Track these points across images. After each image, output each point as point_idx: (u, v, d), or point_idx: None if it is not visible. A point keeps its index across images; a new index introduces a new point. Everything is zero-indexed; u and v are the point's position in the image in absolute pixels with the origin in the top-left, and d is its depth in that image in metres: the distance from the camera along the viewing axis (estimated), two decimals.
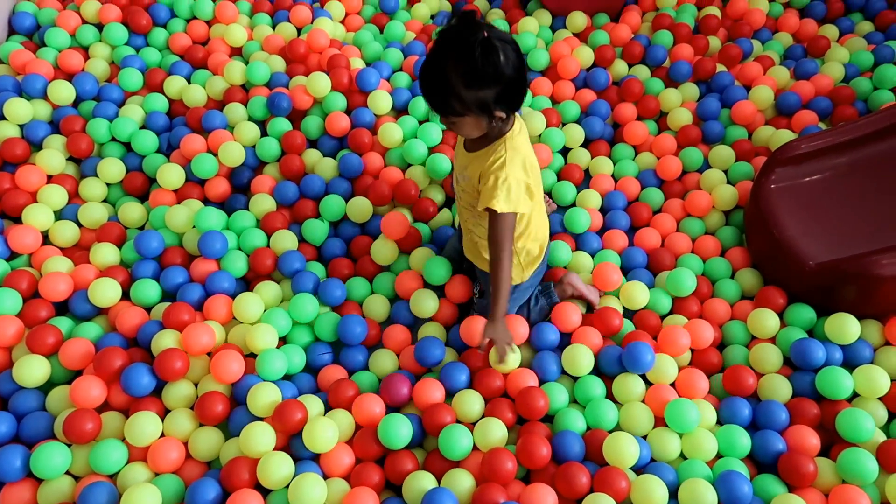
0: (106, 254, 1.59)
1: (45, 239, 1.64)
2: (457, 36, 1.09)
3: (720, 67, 2.04)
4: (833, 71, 1.97)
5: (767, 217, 1.59)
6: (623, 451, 1.27)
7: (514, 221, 1.30)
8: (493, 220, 1.27)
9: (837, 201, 1.61)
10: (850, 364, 1.45)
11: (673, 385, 1.43)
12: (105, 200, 1.77)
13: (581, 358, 1.43)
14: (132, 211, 1.70)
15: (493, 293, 1.35)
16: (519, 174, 1.25)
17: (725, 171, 1.83)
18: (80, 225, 1.68)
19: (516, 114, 1.28)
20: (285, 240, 1.63)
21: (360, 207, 1.71)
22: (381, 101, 1.86)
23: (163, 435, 1.32)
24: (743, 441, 1.32)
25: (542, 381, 1.43)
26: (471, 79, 1.10)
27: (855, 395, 1.40)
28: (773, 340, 1.52)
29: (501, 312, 1.37)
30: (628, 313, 1.59)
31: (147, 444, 1.30)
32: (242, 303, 1.49)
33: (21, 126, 1.79)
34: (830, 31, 2.15)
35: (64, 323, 1.48)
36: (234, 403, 1.39)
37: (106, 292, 1.50)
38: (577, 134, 1.91)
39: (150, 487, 1.20)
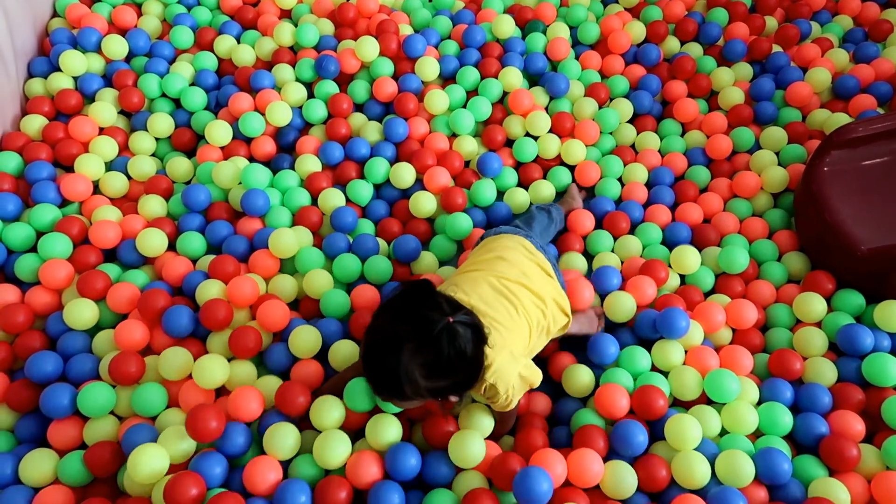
0: (153, 205, 1.62)
1: (96, 189, 1.67)
2: (418, 318, 0.99)
3: (776, 48, 1.99)
4: (895, 55, 1.91)
5: (819, 200, 1.55)
6: (687, 434, 1.25)
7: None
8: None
9: (893, 187, 1.57)
10: None
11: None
12: (153, 154, 1.79)
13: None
14: (180, 165, 1.72)
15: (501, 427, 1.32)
16: (511, 370, 1.15)
17: (777, 153, 1.78)
18: (129, 177, 1.71)
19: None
20: (334, 198, 1.65)
21: (404, 173, 1.71)
22: (428, 67, 1.86)
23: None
24: (785, 419, 1.30)
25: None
26: (430, 371, 0.99)
27: None
28: (818, 325, 1.49)
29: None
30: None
31: (179, 379, 1.34)
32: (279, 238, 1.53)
33: (75, 78, 1.82)
34: (893, 15, 2.08)
35: (112, 270, 1.51)
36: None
37: (153, 242, 1.52)
38: (625, 109, 1.88)
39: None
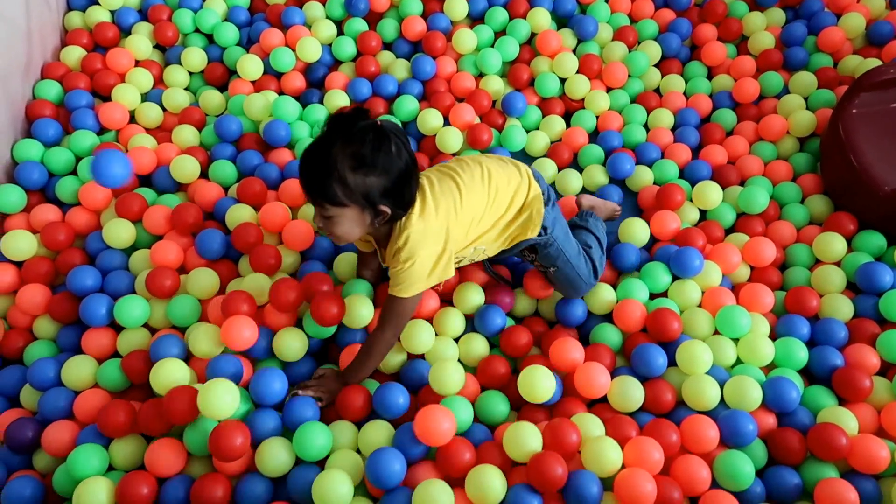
0: (187, 135, 1.67)
1: (131, 119, 1.73)
2: (348, 120, 1.01)
3: None
4: None
5: (846, 142, 1.55)
6: (699, 359, 1.28)
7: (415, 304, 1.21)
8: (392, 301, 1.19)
9: None
10: None
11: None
12: (187, 88, 1.84)
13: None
14: (212, 98, 1.77)
15: (360, 358, 1.27)
16: (427, 245, 1.13)
17: (805, 98, 1.77)
18: (163, 108, 1.76)
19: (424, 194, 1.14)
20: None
21: (430, 118, 1.72)
22: (457, 7, 1.87)
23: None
24: (800, 353, 1.32)
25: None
26: (359, 163, 1.01)
27: None
28: (837, 265, 1.49)
29: (352, 377, 1.28)
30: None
31: (208, 297, 1.40)
32: None
33: (112, 12, 1.87)
34: None
35: (147, 194, 1.57)
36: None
37: (186, 168, 1.58)
38: (653, 52, 1.88)
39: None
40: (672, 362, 1.32)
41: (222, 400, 1.14)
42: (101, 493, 1.13)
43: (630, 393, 1.24)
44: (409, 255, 1.12)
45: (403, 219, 1.11)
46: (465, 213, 1.18)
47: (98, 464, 1.16)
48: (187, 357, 1.32)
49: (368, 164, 1.01)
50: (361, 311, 1.33)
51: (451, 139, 1.68)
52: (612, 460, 1.12)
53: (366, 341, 1.28)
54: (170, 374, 1.23)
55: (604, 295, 1.43)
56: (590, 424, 1.18)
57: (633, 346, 1.34)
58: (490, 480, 1.10)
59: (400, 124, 1.74)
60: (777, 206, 1.62)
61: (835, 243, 1.49)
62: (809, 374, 1.34)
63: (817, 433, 1.19)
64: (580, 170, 1.72)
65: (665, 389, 1.25)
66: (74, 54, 1.77)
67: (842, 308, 1.40)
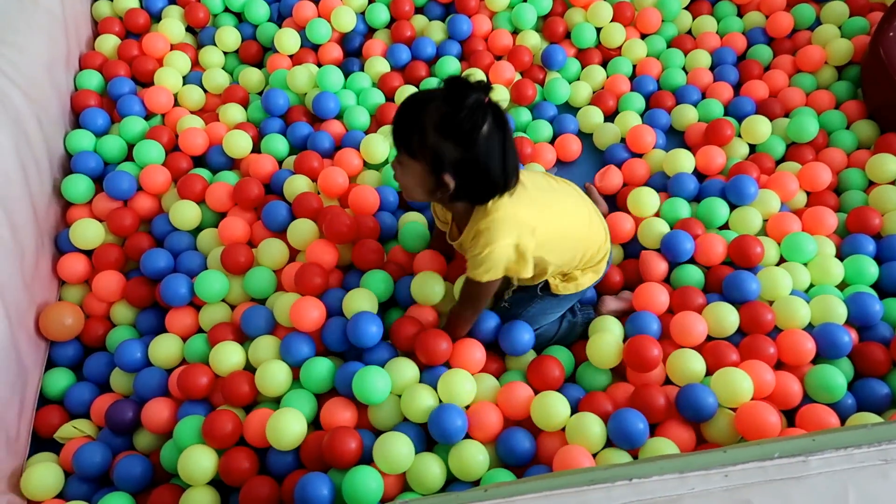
0: (234, 113, 1.67)
1: (175, 103, 1.72)
2: (464, 86, 0.97)
3: None
4: None
5: (889, 65, 1.57)
6: (780, 282, 1.32)
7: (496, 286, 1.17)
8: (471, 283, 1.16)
9: None
10: None
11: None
12: (223, 68, 1.83)
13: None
14: (252, 76, 1.76)
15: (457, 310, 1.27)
16: (509, 233, 1.08)
17: (839, 28, 1.79)
18: (204, 90, 1.75)
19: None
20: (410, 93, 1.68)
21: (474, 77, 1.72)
22: None
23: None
24: (870, 269, 1.36)
25: None
26: (444, 123, 0.98)
27: None
28: (893, 184, 1.52)
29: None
30: None
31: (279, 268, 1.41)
32: (371, 144, 1.57)
33: None
34: None
35: (204, 174, 1.57)
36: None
37: (239, 143, 1.58)
38: None
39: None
40: None
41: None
42: (206, 461, 1.15)
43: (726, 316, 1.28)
44: (489, 240, 1.07)
45: (490, 202, 1.07)
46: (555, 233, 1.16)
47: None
48: (274, 326, 1.34)
49: (452, 130, 0.98)
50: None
51: (497, 96, 1.68)
52: (745, 389, 1.15)
53: (448, 318, 1.29)
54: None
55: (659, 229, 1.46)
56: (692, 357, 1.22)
57: (715, 280, 1.38)
58: None
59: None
60: (824, 135, 1.64)
61: (888, 164, 1.52)
62: (879, 290, 1.37)
63: None
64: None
65: (765, 310, 1.27)
66: (109, 42, 1.76)
67: None
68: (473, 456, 1.10)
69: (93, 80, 1.69)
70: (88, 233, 1.45)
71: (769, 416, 1.09)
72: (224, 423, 1.17)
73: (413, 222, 1.44)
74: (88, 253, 1.47)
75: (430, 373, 1.24)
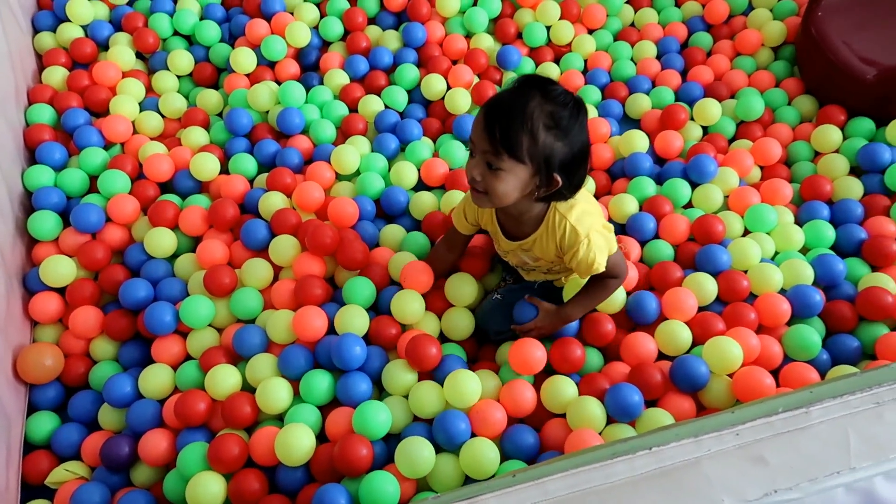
0: (197, 136, 1.65)
1: (133, 130, 1.69)
2: (543, 81, 0.99)
3: None
4: None
5: (821, 42, 1.68)
6: (749, 252, 1.39)
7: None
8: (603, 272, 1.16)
9: (886, 16, 1.69)
10: None
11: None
12: (178, 92, 1.80)
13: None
14: (210, 98, 1.74)
15: (580, 303, 1.26)
16: (592, 221, 1.13)
17: (770, 10, 1.90)
18: (162, 116, 1.72)
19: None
20: (373, 104, 1.70)
21: (434, 83, 1.75)
22: None
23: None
24: (828, 232, 1.44)
25: None
26: (554, 123, 0.98)
27: None
28: (837, 152, 1.63)
29: (574, 315, 1.28)
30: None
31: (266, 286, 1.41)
32: (341, 156, 1.58)
33: (84, 27, 1.81)
34: None
35: (174, 199, 1.54)
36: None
37: (207, 166, 1.56)
38: None
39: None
40: None
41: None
42: (215, 486, 1.14)
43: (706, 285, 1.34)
44: (586, 229, 1.10)
45: (567, 199, 1.09)
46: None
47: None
48: (268, 344, 1.33)
49: (563, 128, 0.98)
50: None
51: (460, 100, 1.72)
52: (736, 356, 1.20)
53: (594, 287, 1.24)
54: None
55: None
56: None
57: (685, 258, 1.44)
58: None
59: (406, 95, 1.77)
60: (770, 112, 1.74)
61: (831, 134, 1.62)
62: (837, 251, 1.46)
63: (864, 298, 1.31)
64: None
65: (741, 278, 1.34)
66: (57, 74, 1.71)
67: (853, 188, 1.53)
68: (485, 454, 1.11)
69: (45, 113, 1.63)
70: (60, 269, 1.40)
71: (764, 379, 1.14)
72: (230, 446, 1.15)
73: (414, 233, 1.48)
74: (60, 290, 1.42)
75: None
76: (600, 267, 1.13)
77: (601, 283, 1.22)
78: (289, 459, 1.14)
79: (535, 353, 1.23)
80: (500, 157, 0.99)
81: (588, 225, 1.11)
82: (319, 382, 1.23)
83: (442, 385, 1.20)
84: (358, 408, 1.18)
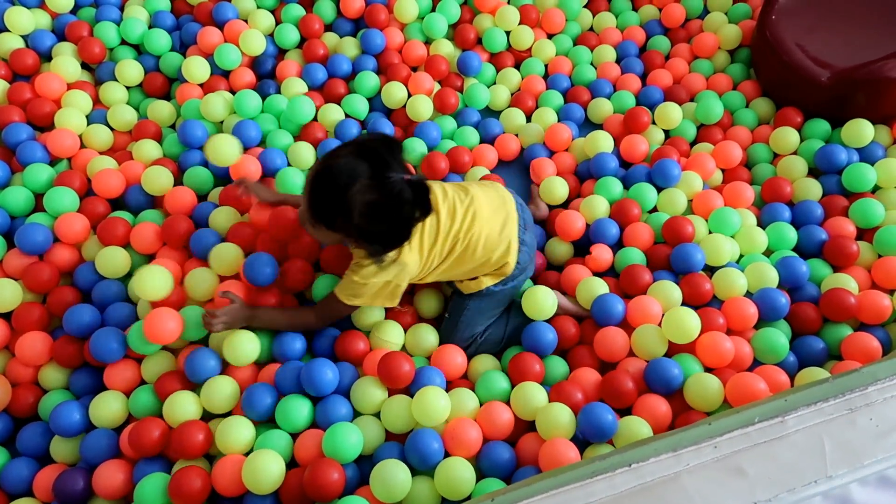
0: (149, 149, 1.58)
1: (80, 144, 1.61)
2: (380, 162, 1.03)
3: None
4: None
5: (776, 45, 1.70)
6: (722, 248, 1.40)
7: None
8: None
9: (840, 19, 1.72)
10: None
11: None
12: (127, 104, 1.73)
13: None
14: (161, 109, 1.68)
15: (276, 315, 1.31)
16: (384, 277, 1.18)
17: (725, 14, 1.92)
18: (111, 129, 1.65)
19: None
20: (333, 112, 1.66)
21: (395, 91, 1.72)
22: None
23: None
24: (790, 235, 1.46)
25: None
26: (372, 213, 1.04)
27: (876, 188, 1.55)
28: (795, 154, 1.65)
29: (257, 320, 1.28)
30: None
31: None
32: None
33: (24, 37, 1.72)
34: None
35: (125, 216, 1.47)
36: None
37: (160, 180, 1.49)
38: None
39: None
40: None
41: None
42: None
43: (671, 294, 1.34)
44: (367, 277, 1.17)
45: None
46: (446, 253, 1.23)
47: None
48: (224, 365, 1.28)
49: (380, 219, 1.05)
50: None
51: (421, 107, 1.69)
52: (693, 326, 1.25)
53: (296, 310, 1.32)
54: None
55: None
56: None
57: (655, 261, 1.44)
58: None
59: (367, 103, 1.73)
60: (728, 115, 1.76)
61: (789, 136, 1.64)
62: (799, 252, 1.47)
63: (828, 299, 1.33)
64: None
65: (704, 281, 1.35)
66: None
67: (812, 189, 1.55)
68: (460, 474, 1.09)
69: None
70: (4, 293, 1.32)
71: (758, 384, 1.15)
72: (192, 479, 1.10)
73: None
74: (6, 316, 1.34)
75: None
76: (344, 298, 1.21)
77: (306, 310, 1.31)
78: (257, 488, 1.09)
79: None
80: (315, 221, 1.10)
81: (372, 274, 1.17)
82: (297, 410, 1.18)
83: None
84: (328, 430, 1.13)
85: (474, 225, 1.23)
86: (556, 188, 1.58)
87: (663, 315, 1.29)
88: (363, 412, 1.22)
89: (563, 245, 1.52)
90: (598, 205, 1.52)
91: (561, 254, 1.52)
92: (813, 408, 0.89)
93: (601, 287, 1.37)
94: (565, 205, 1.62)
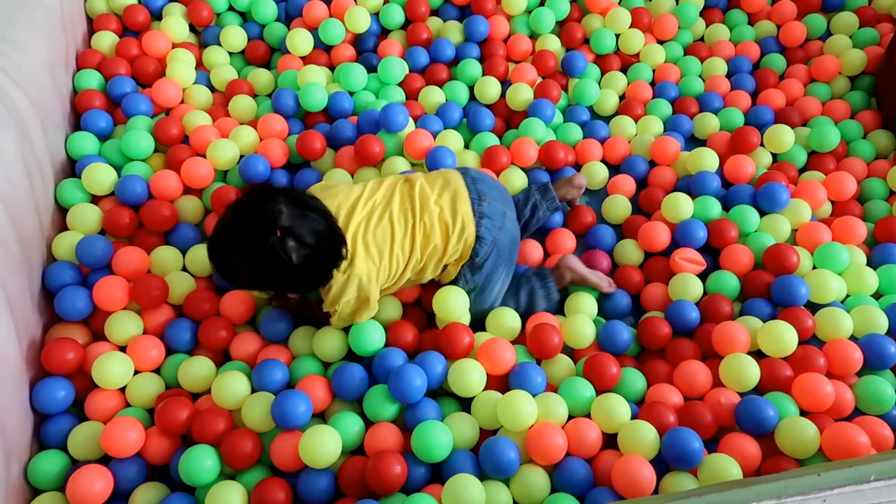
0: (244, 104, 1.61)
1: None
2: (253, 225, 1.01)
3: None
4: None
5: None
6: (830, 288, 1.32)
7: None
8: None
9: None
10: None
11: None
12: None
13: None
14: (261, 76, 1.69)
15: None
16: (349, 297, 1.18)
17: (850, 37, 1.81)
18: (212, 89, 1.67)
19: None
20: (434, 95, 1.65)
21: (488, 87, 1.69)
22: None
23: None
24: None
25: None
26: (260, 274, 1.04)
27: None
28: None
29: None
30: None
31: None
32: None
33: None
34: None
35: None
36: None
37: (247, 138, 1.53)
38: (697, 1, 1.88)
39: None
40: None
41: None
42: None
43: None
44: (334, 301, 1.17)
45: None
46: (398, 255, 1.20)
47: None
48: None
49: (266, 278, 1.06)
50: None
51: (522, 95, 1.66)
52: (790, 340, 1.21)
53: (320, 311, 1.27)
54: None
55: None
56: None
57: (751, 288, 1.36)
58: None
59: (467, 89, 1.70)
60: (844, 144, 1.65)
61: None
62: None
63: None
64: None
65: (806, 317, 1.27)
66: (106, 40, 1.66)
67: None
68: (536, 482, 1.05)
69: (93, 80, 1.58)
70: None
71: (859, 438, 1.07)
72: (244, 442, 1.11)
73: None
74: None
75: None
76: (337, 324, 1.24)
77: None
78: (313, 462, 1.08)
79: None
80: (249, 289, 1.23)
81: (339, 296, 1.17)
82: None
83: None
84: (418, 426, 1.11)
85: (425, 213, 1.21)
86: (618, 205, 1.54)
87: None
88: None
89: (636, 250, 1.48)
90: (696, 230, 1.45)
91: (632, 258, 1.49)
92: None
93: (696, 286, 1.34)
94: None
